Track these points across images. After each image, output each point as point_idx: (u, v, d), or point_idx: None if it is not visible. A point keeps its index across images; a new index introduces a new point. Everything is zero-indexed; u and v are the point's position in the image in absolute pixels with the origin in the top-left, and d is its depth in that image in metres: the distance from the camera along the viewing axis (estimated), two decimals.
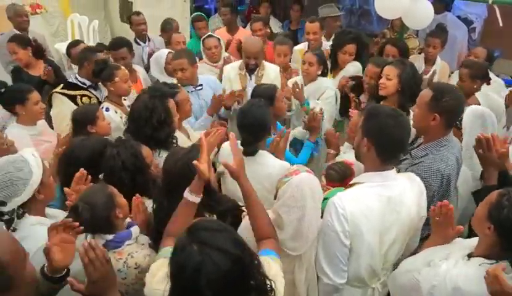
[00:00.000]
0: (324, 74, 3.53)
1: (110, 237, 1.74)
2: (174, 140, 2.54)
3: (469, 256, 1.65)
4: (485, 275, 1.46)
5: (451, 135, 2.21)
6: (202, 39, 4.11)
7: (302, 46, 4.26)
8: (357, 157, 1.96)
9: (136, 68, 4.04)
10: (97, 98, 3.40)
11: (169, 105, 2.52)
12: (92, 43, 5.66)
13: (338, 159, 2.65)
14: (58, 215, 1.94)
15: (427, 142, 2.17)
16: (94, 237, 1.75)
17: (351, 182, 1.94)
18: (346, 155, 2.62)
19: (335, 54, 3.72)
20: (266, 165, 2.33)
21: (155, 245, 1.85)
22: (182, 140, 2.71)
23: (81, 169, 2.02)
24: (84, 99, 3.32)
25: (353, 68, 3.62)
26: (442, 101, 2.07)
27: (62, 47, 5.42)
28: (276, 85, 3.03)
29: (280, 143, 2.60)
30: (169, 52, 3.85)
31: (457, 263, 1.62)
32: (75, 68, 3.93)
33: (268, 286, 1.29)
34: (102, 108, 3.03)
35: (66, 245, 1.52)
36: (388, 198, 1.79)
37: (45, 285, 1.48)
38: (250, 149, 2.34)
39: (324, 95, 3.45)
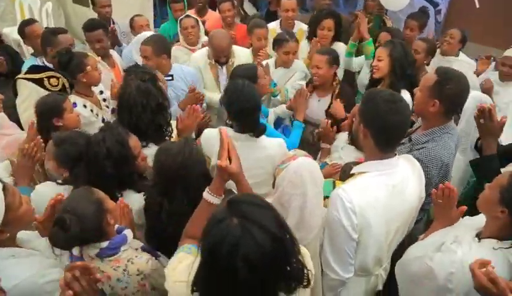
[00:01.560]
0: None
1: (105, 244, 1.58)
2: (170, 128, 2.37)
3: (478, 236, 1.63)
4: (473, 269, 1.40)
5: (452, 122, 2.17)
6: (179, 20, 3.86)
7: (274, 25, 4.13)
8: (357, 145, 1.88)
9: (111, 52, 3.75)
10: (68, 79, 3.04)
11: (161, 86, 2.34)
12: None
13: (335, 155, 2.57)
14: (33, 239, 1.67)
15: (428, 128, 2.11)
16: (81, 249, 1.57)
17: (352, 172, 1.84)
18: (344, 151, 2.54)
19: (314, 33, 3.67)
20: (264, 147, 2.22)
21: (150, 247, 1.71)
22: None
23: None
24: (52, 81, 2.95)
25: (338, 49, 3.55)
26: (446, 88, 2.01)
27: (12, 31, 4.96)
28: (255, 64, 2.93)
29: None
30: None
31: (471, 247, 1.58)
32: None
33: (305, 276, 1.19)
34: None
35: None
36: (393, 187, 1.73)
37: None
38: (259, 130, 2.21)
39: (293, 77, 3.45)
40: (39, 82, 2.92)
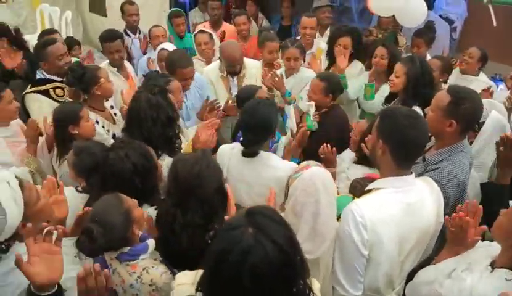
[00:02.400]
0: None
1: (126, 249, 1.60)
2: (179, 140, 2.39)
3: (492, 265, 1.58)
4: None
5: (466, 140, 2.15)
6: (193, 34, 3.93)
7: None
8: (372, 161, 1.87)
9: (125, 64, 3.82)
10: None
11: (172, 99, 2.37)
12: (64, 36, 5.33)
13: (342, 176, 2.55)
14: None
15: (442, 147, 2.09)
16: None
17: (367, 188, 1.83)
18: (351, 170, 2.52)
19: (331, 50, 3.67)
20: (275, 168, 2.21)
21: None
22: None
23: (48, 176, 1.82)
24: (58, 91, 3.04)
25: (355, 68, 3.57)
26: (461, 107, 1.99)
27: (32, 39, 5.07)
28: (256, 86, 2.92)
29: (292, 142, 2.54)
30: (161, 49, 3.65)
31: (482, 276, 1.54)
32: None
33: None
34: None
35: (50, 256, 1.28)
36: (408, 205, 1.71)
37: None
38: (251, 150, 2.21)
39: (307, 86, 3.37)
40: (46, 94, 2.99)
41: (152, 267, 1.62)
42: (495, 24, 3.60)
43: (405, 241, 1.73)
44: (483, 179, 2.37)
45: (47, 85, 3.03)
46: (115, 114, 3.02)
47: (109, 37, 3.63)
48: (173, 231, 1.68)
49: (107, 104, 3.03)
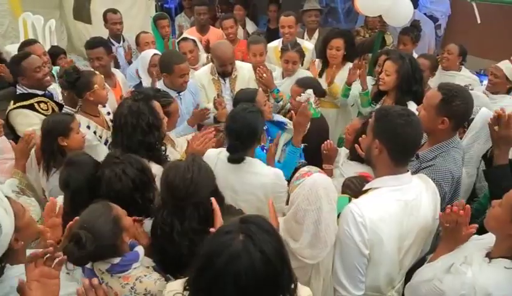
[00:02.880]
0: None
1: (116, 260, 1.56)
2: (164, 148, 2.35)
3: (488, 256, 1.59)
4: None
5: (457, 136, 2.18)
6: (177, 42, 3.91)
7: (276, 43, 4.17)
8: (368, 161, 1.88)
9: (114, 72, 3.77)
10: (55, 102, 3.08)
11: (155, 106, 2.31)
12: (48, 45, 5.25)
13: (336, 172, 2.56)
14: None
15: (435, 144, 2.11)
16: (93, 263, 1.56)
17: (365, 188, 1.85)
18: (345, 167, 2.53)
19: (324, 53, 3.69)
20: (260, 174, 2.20)
21: (160, 269, 1.69)
22: (169, 150, 2.52)
23: (51, 198, 1.78)
24: (42, 105, 2.97)
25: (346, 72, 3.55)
26: (452, 105, 2.02)
27: (15, 49, 4.98)
28: (256, 88, 2.90)
29: (272, 147, 2.49)
30: (154, 54, 3.62)
31: (481, 268, 1.56)
32: None
33: None
34: None
35: (48, 280, 1.28)
36: (406, 203, 1.72)
37: None
38: (236, 156, 2.20)
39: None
40: (32, 108, 2.91)
41: (145, 275, 1.59)
42: (478, 21, 3.66)
43: (404, 239, 1.75)
44: (471, 174, 2.40)
45: (31, 100, 2.94)
46: (111, 120, 2.95)
47: (90, 44, 3.59)
48: (171, 240, 1.65)
49: (104, 110, 3.01)
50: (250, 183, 2.19)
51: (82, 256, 1.47)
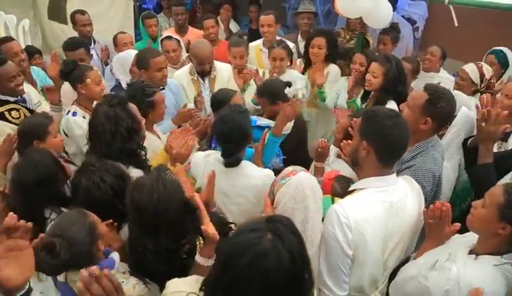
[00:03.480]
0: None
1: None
2: (144, 152, 2.28)
3: (472, 253, 1.63)
4: None
5: (436, 135, 2.20)
6: (160, 40, 3.85)
7: (258, 42, 4.16)
8: (353, 162, 1.87)
9: None
10: (28, 109, 2.99)
11: (132, 109, 2.24)
12: (23, 45, 5.07)
13: (326, 169, 2.55)
14: None
15: (414, 144, 2.12)
16: (66, 274, 1.49)
17: (350, 189, 1.85)
18: (335, 165, 2.53)
19: (307, 52, 3.71)
20: (250, 176, 2.19)
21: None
22: (155, 144, 2.53)
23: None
24: (14, 113, 2.89)
25: (332, 73, 3.62)
26: (437, 106, 2.04)
27: None
28: (232, 90, 2.88)
29: (259, 146, 2.46)
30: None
31: (466, 264, 1.58)
32: None
33: None
34: (69, 112, 2.72)
35: (18, 253, 1.15)
36: (391, 204, 1.72)
37: None
38: (232, 159, 2.17)
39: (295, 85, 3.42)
40: (1, 117, 2.83)
41: (122, 282, 1.52)
42: (456, 24, 3.74)
43: (389, 240, 1.74)
44: (455, 169, 2.45)
45: (1, 108, 2.85)
46: None
47: (71, 45, 3.52)
48: (146, 259, 1.57)
49: None
50: (241, 186, 2.17)
51: (57, 265, 1.41)
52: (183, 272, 1.55)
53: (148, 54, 3.05)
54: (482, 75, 3.17)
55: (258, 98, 3.03)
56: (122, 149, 2.11)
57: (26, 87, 3.12)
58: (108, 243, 1.68)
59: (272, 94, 2.88)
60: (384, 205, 1.70)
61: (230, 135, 2.13)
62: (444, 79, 3.92)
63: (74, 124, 2.75)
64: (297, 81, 3.49)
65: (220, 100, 2.76)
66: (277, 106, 2.80)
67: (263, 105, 2.99)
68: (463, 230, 1.76)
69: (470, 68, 3.22)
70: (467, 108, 2.52)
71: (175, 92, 3.29)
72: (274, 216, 1.21)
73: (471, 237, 1.71)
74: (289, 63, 3.58)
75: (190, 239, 1.65)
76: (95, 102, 2.83)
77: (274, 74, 3.42)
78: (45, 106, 3.18)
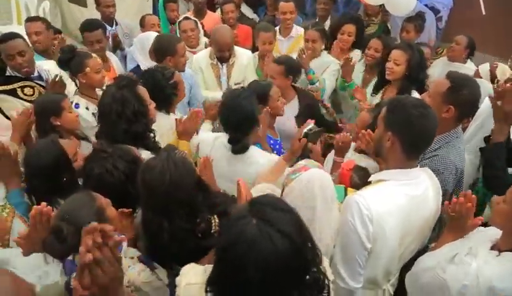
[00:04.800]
0: (326, 49, 3.55)
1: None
2: (153, 134, 2.26)
3: (494, 248, 1.56)
4: None
5: (460, 127, 2.14)
6: (178, 22, 3.83)
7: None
8: (377, 153, 1.81)
9: (109, 56, 3.69)
10: (42, 86, 2.98)
11: (140, 92, 2.22)
12: None
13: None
14: (12, 258, 1.53)
15: (438, 135, 2.02)
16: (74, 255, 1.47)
17: (371, 179, 1.78)
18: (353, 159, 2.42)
19: (334, 37, 3.66)
20: (256, 164, 2.16)
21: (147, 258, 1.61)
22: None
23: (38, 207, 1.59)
24: (27, 90, 2.89)
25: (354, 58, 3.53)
26: (460, 94, 1.97)
27: (7, 30, 4.84)
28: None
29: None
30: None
31: (487, 260, 1.52)
32: None
33: (326, 287, 1.15)
34: (72, 102, 2.67)
35: None
36: (412, 198, 1.67)
37: None
38: (239, 146, 2.14)
39: (328, 70, 3.44)
40: (12, 93, 2.84)
41: (129, 267, 1.52)
42: (483, 12, 3.59)
43: (407, 234, 1.70)
44: (473, 162, 2.37)
45: (14, 84, 2.85)
46: None
47: (89, 27, 3.50)
48: (161, 240, 1.56)
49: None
50: (247, 172, 2.13)
51: (64, 250, 1.40)
52: (198, 254, 1.55)
53: (173, 39, 3.04)
54: (493, 76, 3.09)
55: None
56: (126, 131, 2.10)
57: (47, 64, 3.14)
58: (122, 232, 1.66)
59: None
60: (406, 199, 1.65)
61: (235, 122, 2.09)
62: (470, 70, 3.72)
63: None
64: (330, 65, 3.47)
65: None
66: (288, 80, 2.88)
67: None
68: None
69: (483, 68, 3.18)
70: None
71: (190, 83, 3.23)
72: (256, 198, 1.14)
73: (494, 231, 1.64)
74: (323, 47, 3.51)
75: (204, 218, 1.63)
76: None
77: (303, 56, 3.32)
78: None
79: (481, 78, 3.11)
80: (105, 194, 1.61)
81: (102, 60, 3.45)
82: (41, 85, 2.98)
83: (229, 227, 1.08)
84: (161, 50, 3.02)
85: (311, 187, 1.58)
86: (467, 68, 3.80)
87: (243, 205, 1.12)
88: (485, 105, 2.33)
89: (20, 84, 2.88)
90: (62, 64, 2.80)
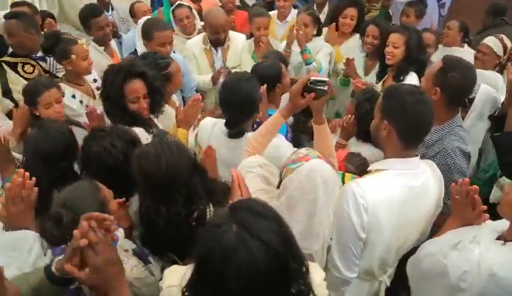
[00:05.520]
0: (318, 34, 3.49)
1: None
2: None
3: (500, 239, 1.51)
4: None
5: (459, 115, 2.08)
6: (171, 9, 3.74)
7: (272, 13, 3.98)
8: (376, 142, 1.76)
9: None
10: (43, 68, 2.96)
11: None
12: None
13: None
14: None
15: (437, 124, 1.99)
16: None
17: (370, 168, 1.74)
18: (353, 148, 2.35)
19: (335, 20, 3.61)
20: None
21: (143, 251, 1.59)
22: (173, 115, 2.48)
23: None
24: (27, 67, 2.88)
25: (353, 42, 3.52)
26: (447, 76, 1.91)
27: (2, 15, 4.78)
28: (280, 62, 2.63)
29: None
30: None
31: (490, 248, 1.47)
32: None
33: None
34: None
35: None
36: (411, 189, 1.62)
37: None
38: (236, 130, 2.09)
39: (320, 53, 3.38)
40: (13, 67, 2.84)
41: (123, 260, 1.47)
42: None
43: (404, 226, 1.66)
44: (473, 154, 2.30)
45: (18, 59, 2.88)
46: (97, 88, 2.83)
47: (95, 11, 3.39)
48: (158, 226, 1.53)
49: (90, 77, 2.89)
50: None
51: (63, 238, 1.35)
52: (193, 242, 1.51)
53: (154, 27, 2.91)
54: (504, 46, 3.10)
55: None
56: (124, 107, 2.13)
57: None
58: (118, 222, 1.63)
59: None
60: (403, 189, 1.61)
61: (236, 105, 2.03)
62: (467, 53, 3.65)
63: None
64: (322, 48, 3.41)
65: (263, 76, 2.38)
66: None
67: None
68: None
69: (493, 42, 3.15)
70: (492, 88, 2.37)
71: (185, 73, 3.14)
72: (238, 203, 1.09)
73: (503, 224, 1.58)
74: (315, 32, 3.44)
75: (200, 205, 1.61)
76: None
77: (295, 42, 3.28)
78: None
79: (488, 51, 3.10)
80: (103, 174, 1.60)
81: (106, 46, 3.43)
82: (43, 68, 2.97)
83: (208, 232, 1.02)
84: (142, 32, 3.00)
85: (312, 178, 1.50)
86: (464, 51, 3.77)
87: (224, 209, 1.05)
88: (480, 94, 2.29)
89: (23, 60, 2.89)
90: (46, 50, 2.73)
